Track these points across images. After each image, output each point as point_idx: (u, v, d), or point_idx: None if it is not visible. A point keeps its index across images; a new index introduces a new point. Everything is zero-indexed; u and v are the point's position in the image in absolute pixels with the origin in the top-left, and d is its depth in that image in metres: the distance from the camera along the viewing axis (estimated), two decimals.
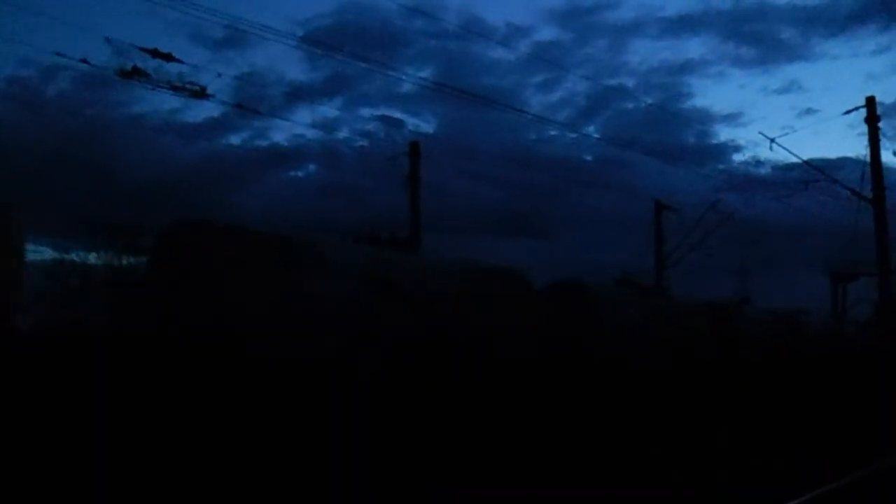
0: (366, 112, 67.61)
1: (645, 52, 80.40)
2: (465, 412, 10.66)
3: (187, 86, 14.49)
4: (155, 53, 13.61)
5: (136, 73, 13.70)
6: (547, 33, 76.91)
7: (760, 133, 66.36)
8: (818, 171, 23.22)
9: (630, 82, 70.05)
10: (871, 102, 22.41)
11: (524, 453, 9.92)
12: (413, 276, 13.44)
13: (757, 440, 12.83)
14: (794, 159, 25.38)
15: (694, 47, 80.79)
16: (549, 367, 13.06)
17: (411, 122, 71.04)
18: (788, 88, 74.97)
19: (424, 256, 16.96)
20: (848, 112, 22.68)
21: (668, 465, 10.60)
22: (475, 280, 13.98)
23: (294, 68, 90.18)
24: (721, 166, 58.05)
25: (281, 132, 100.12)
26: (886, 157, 22.87)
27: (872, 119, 22.22)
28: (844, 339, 24.76)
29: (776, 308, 24.29)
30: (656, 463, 10.66)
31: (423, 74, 69.79)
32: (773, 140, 22.47)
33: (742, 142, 65.26)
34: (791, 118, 76.13)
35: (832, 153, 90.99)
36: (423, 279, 13.40)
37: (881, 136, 21.99)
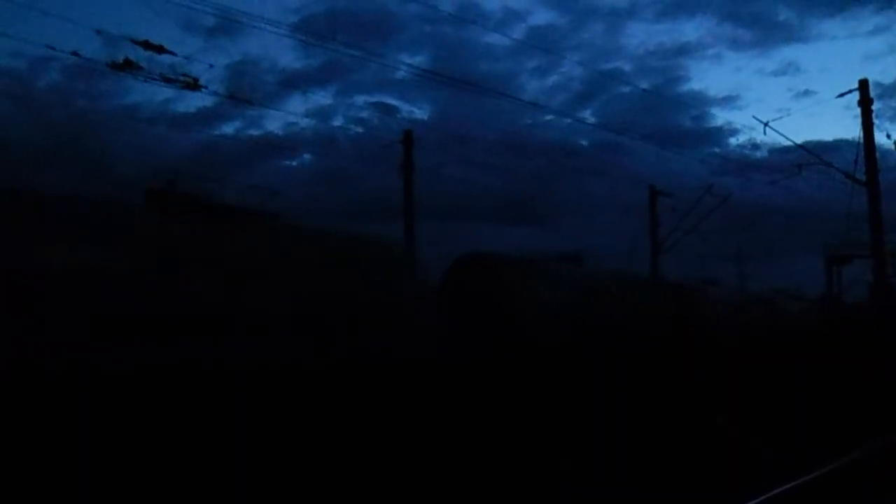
0: (360, 99, 67.73)
1: (641, 36, 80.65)
2: None
3: (180, 77, 14.49)
4: (146, 45, 13.60)
5: (128, 66, 13.69)
6: (543, 17, 76.91)
7: (754, 117, 66.43)
8: (812, 155, 23.29)
9: (626, 66, 70.24)
10: (864, 85, 22.42)
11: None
12: None
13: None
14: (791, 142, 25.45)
15: (690, 30, 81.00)
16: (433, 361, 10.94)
17: (406, 108, 71.00)
18: (785, 70, 75.39)
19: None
20: (841, 95, 22.69)
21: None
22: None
23: (287, 55, 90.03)
24: (717, 150, 58.30)
25: (275, 121, 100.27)
26: (881, 139, 22.86)
27: (866, 101, 22.23)
28: (832, 323, 24.38)
29: (753, 290, 24.02)
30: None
31: (417, 60, 69.64)
32: (766, 124, 22.53)
33: (738, 125, 65.48)
34: (787, 100, 76.47)
35: (828, 135, 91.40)
36: None
37: (878, 118, 22.02)
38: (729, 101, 76.09)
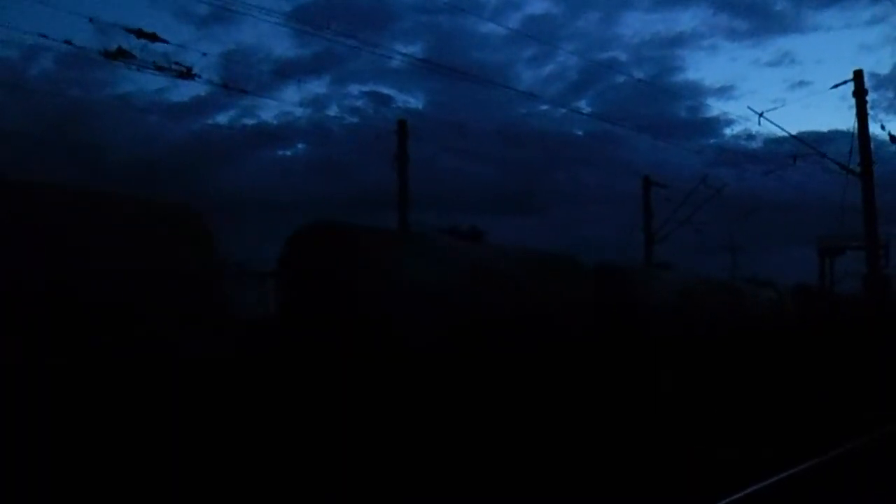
0: (355, 89, 67.34)
1: (637, 25, 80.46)
2: None
3: (173, 66, 14.39)
4: (139, 34, 13.49)
5: (121, 54, 13.58)
6: (538, 6, 76.77)
7: (749, 108, 66.45)
8: (807, 145, 23.27)
9: (622, 56, 70.05)
10: (858, 76, 22.38)
11: None
12: None
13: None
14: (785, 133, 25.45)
15: (686, 20, 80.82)
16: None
17: (401, 98, 70.70)
18: (780, 61, 75.21)
19: None
20: (836, 86, 22.63)
21: None
22: None
23: (282, 44, 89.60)
24: (713, 140, 58.23)
25: (269, 110, 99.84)
26: (875, 129, 22.79)
27: (860, 92, 22.19)
28: (808, 315, 23.49)
29: (721, 278, 22.87)
30: None
31: (413, 49, 69.36)
32: (761, 114, 22.42)
33: (734, 115, 65.53)
34: (783, 91, 76.38)
35: (824, 126, 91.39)
36: None
37: (874, 109, 21.97)
38: (724, 91, 76.12)
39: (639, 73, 75.85)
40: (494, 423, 10.24)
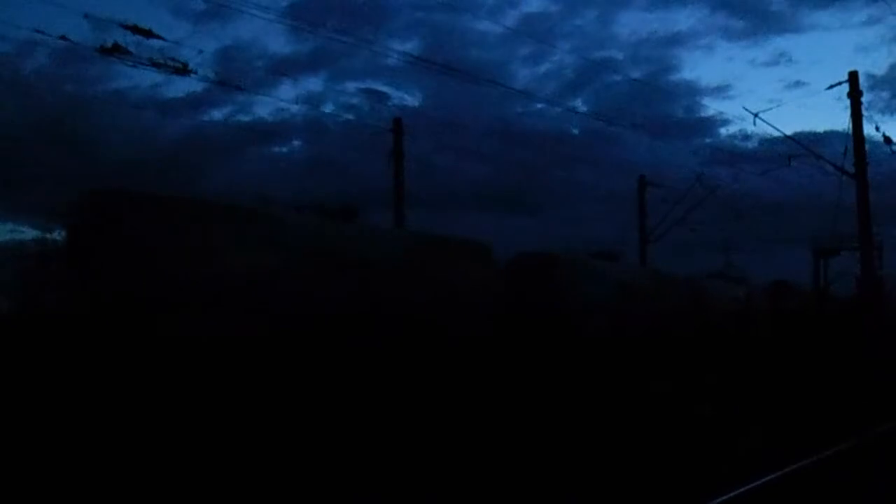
0: (351, 86, 67.24)
1: (634, 24, 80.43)
2: None
3: (169, 62, 14.36)
4: (135, 29, 13.46)
5: (117, 50, 13.55)
6: (535, 4, 76.64)
7: (744, 108, 66.54)
8: (802, 146, 23.31)
9: (619, 55, 70.07)
10: (853, 77, 22.44)
11: None
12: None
13: None
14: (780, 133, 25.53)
15: (683, 19, 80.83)
16: None
17: (396, 95, 70.60)
18: (777, 61, 75.16)
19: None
20: (831, 87, 22.70)
21: None
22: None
23: (277, 41, 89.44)
24: (708, 140, 58.31)
25: (265, 107, 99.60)
26: (870, 130, 22.90)
27: (855, 94, 22.25)
28: (780, 312, 21.84)
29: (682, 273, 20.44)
30: None
31: (409, 46, 69.26)
32: (756, 115, 22.44)
33: (730, 115, 65.53)
34: (779, 91, 76.48)
35: (820, 126, 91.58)
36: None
37: (869, 110, 22.03)
38: (720, 90, 76.12)
39: (635, 73, 75.89)
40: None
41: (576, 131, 54.67)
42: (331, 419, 8.77)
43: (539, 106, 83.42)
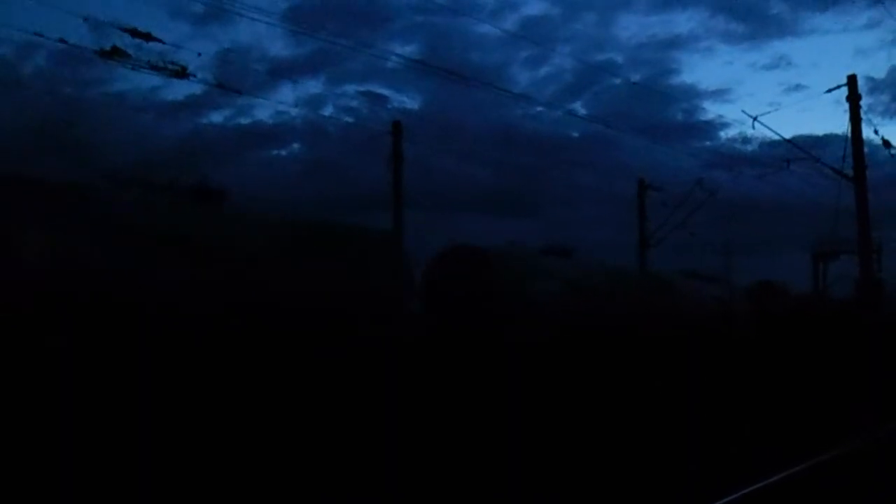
0: (350, 89, 67.29)
1: (634, 28, 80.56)
2: None
3: (168, 65, 14.37)
4: (134, 33, 13.47)
5: (116, 53, 13.56)
6: (535, 7, 76.88)
7: (743, 111, 66.62)
8: (800, 150, 23.33)
9: (618, 58, 70.06)
10: (852, 81, 22.48)
11: None
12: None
13: None
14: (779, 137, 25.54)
15: (683, 22, 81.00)
16: None
17: (396, 98, 70.64)
18: (777, 64, 75.32)
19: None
20: (830, 90, 22.75)
21: None
22: None
23: (277, 44, 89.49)
24: (708, 143, 58.37)
25: (264, 109, 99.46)
26: (869, 134, 22.95)
27: (854, 97, 22.29)
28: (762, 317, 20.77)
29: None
30: None
31: (408, 49, 69.39)
32: (755, 118, 22.50)
33: (729, 119, 65.61)
34: (779, 94, 76.43)
35: (819, 129, 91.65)
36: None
37: (869, 113, 22.07)
38: (720, 94, 76.07)
39: (635, 76, 76.17)
40: None
41: (576, 134, 54.87)
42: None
43: (539, 109, 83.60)
